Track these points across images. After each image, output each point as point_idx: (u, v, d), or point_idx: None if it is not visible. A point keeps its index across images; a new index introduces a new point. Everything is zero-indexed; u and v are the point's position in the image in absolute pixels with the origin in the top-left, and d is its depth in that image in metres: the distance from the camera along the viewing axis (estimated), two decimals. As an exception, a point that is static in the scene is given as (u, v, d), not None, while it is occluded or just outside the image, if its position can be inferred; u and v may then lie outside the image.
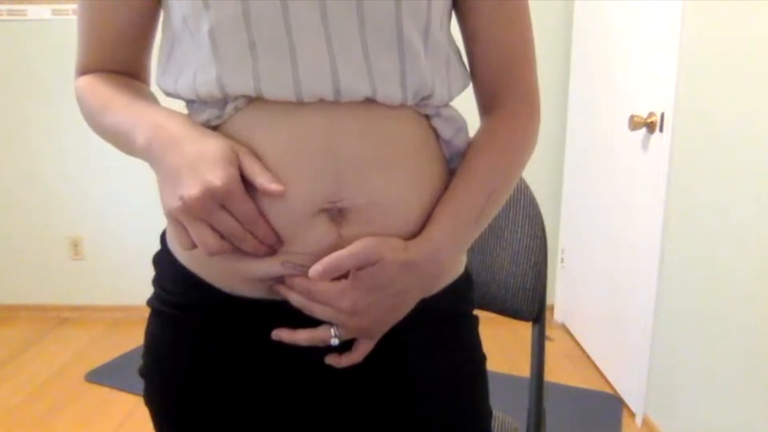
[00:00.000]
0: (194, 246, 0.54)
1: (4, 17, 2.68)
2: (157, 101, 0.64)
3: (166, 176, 0.54)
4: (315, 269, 0.54)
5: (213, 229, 0.53)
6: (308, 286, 0.56)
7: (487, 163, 0.64)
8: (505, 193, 0.66)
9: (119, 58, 0.66)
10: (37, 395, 2.20)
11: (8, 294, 2.96)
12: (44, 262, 2.93)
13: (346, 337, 0.58)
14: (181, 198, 0.51)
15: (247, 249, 0.55)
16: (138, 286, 2.82)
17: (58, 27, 2.68)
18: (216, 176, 0.51)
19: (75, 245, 2.91)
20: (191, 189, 0.51)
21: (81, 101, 0.66)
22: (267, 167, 0.54)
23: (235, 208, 0.52)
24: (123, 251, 2.89)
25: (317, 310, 0.57)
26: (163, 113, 0.59)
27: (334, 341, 0.58)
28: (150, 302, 0.68)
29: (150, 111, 0.60)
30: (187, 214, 0.52)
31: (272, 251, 0.56)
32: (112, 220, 2.88)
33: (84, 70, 0.67)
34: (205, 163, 0.52)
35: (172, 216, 0.54)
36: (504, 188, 0.65)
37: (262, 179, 0.53)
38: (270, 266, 0.57)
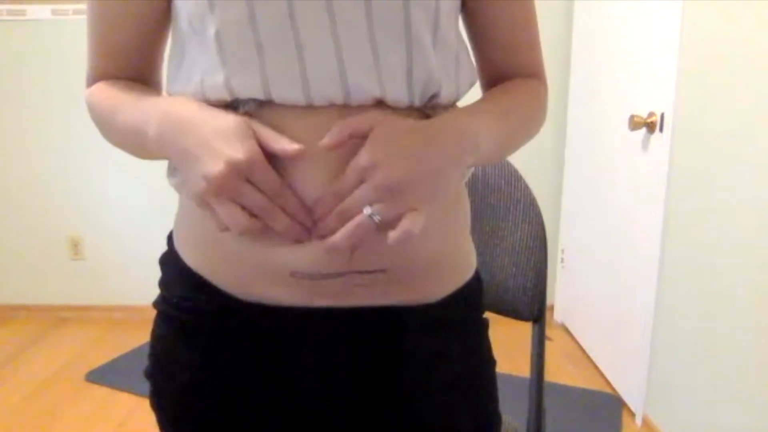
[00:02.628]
0: (226, 228, 0.53)
1: (4, 17, 2.67)
2: None
3: (185, 161, 0.53)
4: (324, 140, 0.52)
5: (242, 207, 0.52)
6: (328, 193, 0.53)
7: (503, 91, 0.66)
8: (519, 120, 0.66)
9: (130, 65, 0.66)
10: (37, 395, 2.20)
11: (8, 294, 2.95)
12: (44, 262, 2.92)
13: (386, 209, 0.52)
14: (205, 178, 0.51)
15: (279, 228, 0.53)
16: (138, 286, 2.82)
17: (58, 27, 2.67)
18: (237, 150, 0.50)
19: (75, 245, 2.90)
20: (214, 167, 0.50)
21: (92, 109, 0.66)
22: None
23: (261, 180, 0.52)
24: (123, 251, 2.89)
25: (350, 202, 0.52)
26: (167, 101, 0.58)
27: (376, 218, 0.52)
28: (156, 304, 0.68)
29: (156, 102, 0.59)
30: (214, 193, 0.51)
31: (305, 234, 0.54)
32: (112, 220, 2.87)
33: (94, 78, 0.67)
34: (223, 140, 0.51)
35: (198, 199, 0.53)
36: (520, 113, 0.65)
37: (281, 144, 0.52)
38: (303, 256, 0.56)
